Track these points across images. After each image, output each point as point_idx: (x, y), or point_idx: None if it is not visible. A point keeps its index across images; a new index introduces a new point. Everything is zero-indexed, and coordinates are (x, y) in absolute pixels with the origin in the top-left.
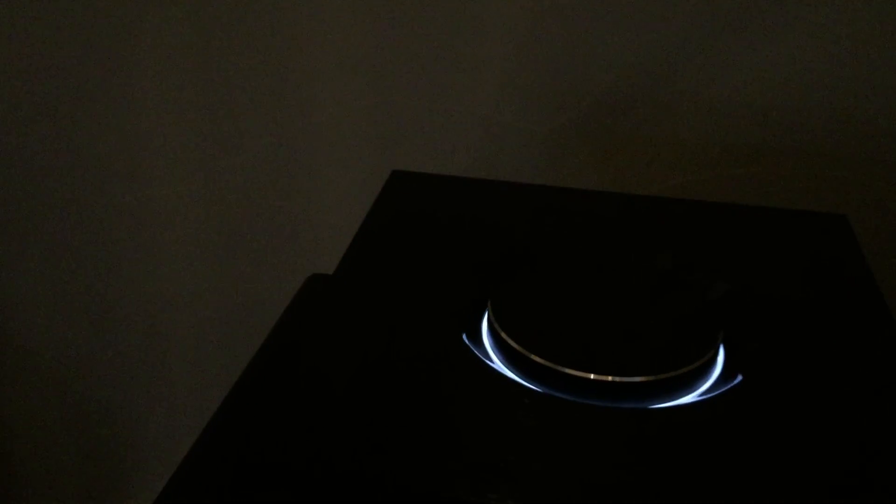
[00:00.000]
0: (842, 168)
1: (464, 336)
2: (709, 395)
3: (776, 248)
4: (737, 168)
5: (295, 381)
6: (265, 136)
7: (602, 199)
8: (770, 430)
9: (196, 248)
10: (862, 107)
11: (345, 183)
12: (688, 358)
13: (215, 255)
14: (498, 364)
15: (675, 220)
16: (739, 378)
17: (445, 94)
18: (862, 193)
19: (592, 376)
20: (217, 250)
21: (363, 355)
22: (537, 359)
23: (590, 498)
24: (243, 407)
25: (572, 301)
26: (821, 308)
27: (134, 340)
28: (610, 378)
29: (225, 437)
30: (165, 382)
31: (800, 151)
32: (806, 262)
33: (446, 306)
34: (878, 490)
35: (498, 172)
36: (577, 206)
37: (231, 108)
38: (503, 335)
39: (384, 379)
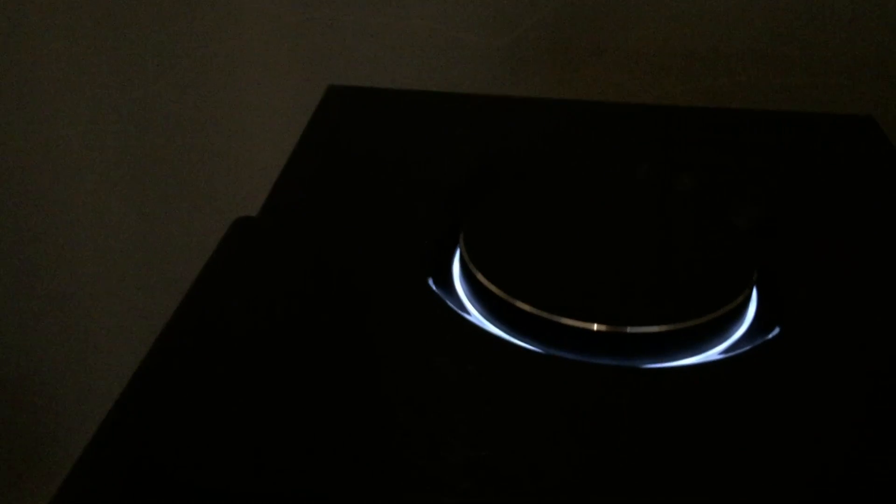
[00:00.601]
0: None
1: (430, 281)
2: (736, 352)
3: (803, 158)
4: (731, 77)
5: (214, 348)
6: (184, 57)
7: (583, 108)
8: (811, 399)
9: (111, 190)
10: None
11: (276, 102)
12: (711, 303)
13: (132, 197)
14: (476, 316)
15: (676, 129)
16: (776, 330)
17: (385, 4)
18: (884, 92)
19: (595, 327)
20: (134, 190)
21: (302, 310)
22: (526, 307)
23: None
24: (159, 378)
25: (561, 232)
26: (870, 229)
27: (48, 297)
28: (616, 329)
29: (139, 415)
30: (82, 342)
31: (806, 53)
32: (840, 173)
33: (405, 244)
34: None
35: (448, 87)
36: (552, 117)
37: (146, 24)
38: (481, 278)
39: (332, 340)
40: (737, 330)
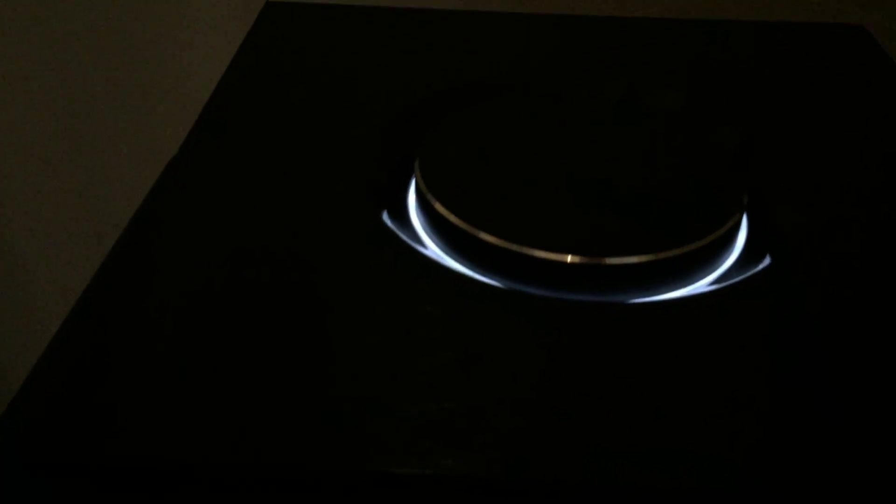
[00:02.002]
0: None
1: (384, 215)
2: (726, 284)
3: (793, 70)
4: None
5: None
6: None
7: (552, 22)
8: (804, 332)
9: (42, 119)
10: None
11: (211, 18)
12: (698, 231)
13: (64, 125)
14: (434, 250)
15: (656, 42)
16: (767, 260)
17: None
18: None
19: (569, 259)
20: (67, 116)
21: (243, 249)
22: (492, 239)
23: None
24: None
25: (529, 158)
26: (864, 145)
27: None
28: (593, 261)
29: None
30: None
31: None
32: (832, 84)
33: (354, 173)
34: None
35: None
36: (517, 32)
37: None
38: (439, 208)
39: (277, 286)
40: (726, 260)
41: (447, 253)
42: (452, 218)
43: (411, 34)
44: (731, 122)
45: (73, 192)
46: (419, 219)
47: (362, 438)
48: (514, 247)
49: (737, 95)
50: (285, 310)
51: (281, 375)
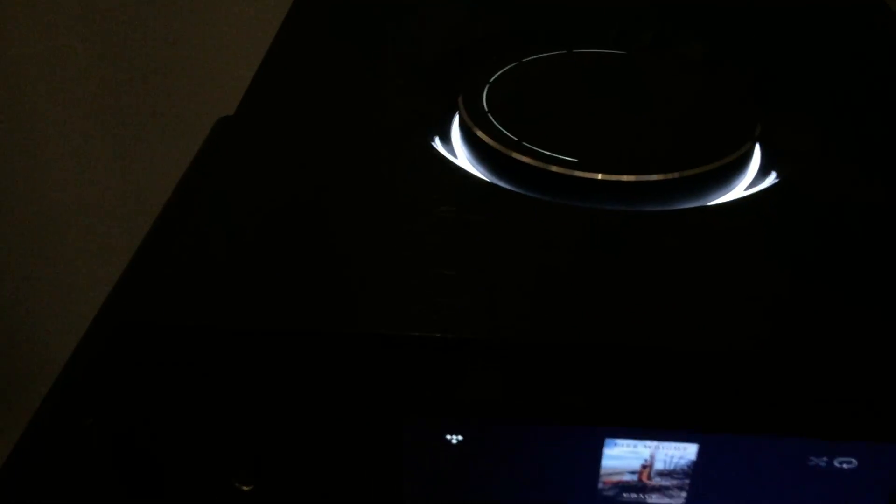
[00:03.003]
0: None
1: (435, 140)
2: (735, 198)
3: (804, 24)
4: None
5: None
6: None
7: None
8: (809, 242)
9: (82, 109)
10: None
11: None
12: (715, 153)
13: (104, 118)
14: (484, 173)
15: (668, 2)
16: (774, 178)
17: None
18: None
19: (599, 177)
20: (107, 109)
21: (314, 173)
22: (528, 160)
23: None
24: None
25: (562, 94)
26: (869, 84)
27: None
28: (618, 178)
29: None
30: (63, 258)
31: None
32: (843, 38)
33: (404, 110)
34: None
35: None
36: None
37: None
38: (481, 134)
39: (339, 196)
40: (740, 181)
41: (491, 174)
42: (490, 141)
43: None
44: (746, 66)
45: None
46: (465, 147)
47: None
48: (555, 167)
49: (752, 45)
50: (342, 213)
51: (323, 259)
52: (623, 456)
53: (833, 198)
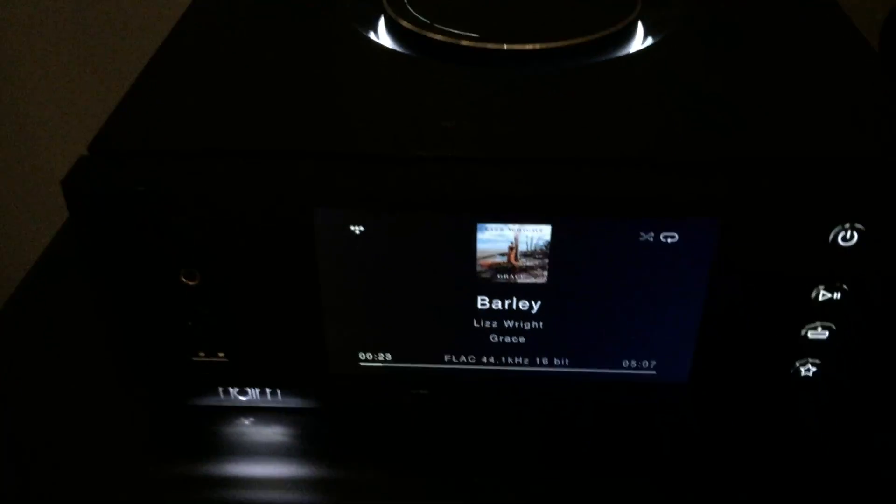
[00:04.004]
0: None
1: (357, 26)
2: (614, 56)
3: None
4: None
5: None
6: None
7: None
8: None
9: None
10: None
11: None
12: (594, 27)
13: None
14: (402, 49)
15: None
16: (650, 41)
17: None
18: None
19: (505, 47)
20: None
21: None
22: (439, 37)
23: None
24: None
25: None
26: None
27: None
28: (518, 47)
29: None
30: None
31: None
32: None
33: (342, 8)
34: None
35: None
36: None
37: None
38: (403, 22)
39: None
40: (629, 46)
41: (408, 50)
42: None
43: None
44: None
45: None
46: (388, 33)
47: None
48: (455, 41)
49: None
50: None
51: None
52: (493, 239)
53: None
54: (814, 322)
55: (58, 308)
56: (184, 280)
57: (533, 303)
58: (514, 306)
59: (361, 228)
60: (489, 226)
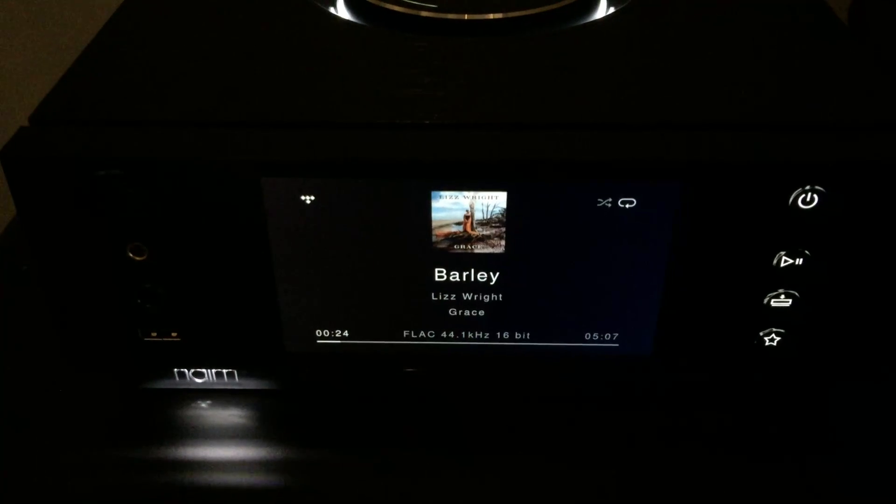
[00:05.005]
0: None
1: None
2: (587, 21)
3: None
4: None
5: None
6: None
7: None
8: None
9: None
10: None
11: None
12: None
13: None
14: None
15: None
16: (612, 10)
17: None
18: None
19: (466, 17)
20: None
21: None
22: (398, 8)
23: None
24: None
25: None
26: None
27: None
28: (493, 16)
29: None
30: None
31: None
32: None
33: None
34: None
35: None
36: None
37: None
38: None
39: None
40: (590, 15)
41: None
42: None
43: None
44: None
45: None
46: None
47: None
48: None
49: None
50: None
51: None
52: (448, 207)
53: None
54: (776, 290)
55: (5, 286)
56: (131, 255)
57: (491, 274)
58: (472, 278)
59: (312, 198)
60: (444, 193)
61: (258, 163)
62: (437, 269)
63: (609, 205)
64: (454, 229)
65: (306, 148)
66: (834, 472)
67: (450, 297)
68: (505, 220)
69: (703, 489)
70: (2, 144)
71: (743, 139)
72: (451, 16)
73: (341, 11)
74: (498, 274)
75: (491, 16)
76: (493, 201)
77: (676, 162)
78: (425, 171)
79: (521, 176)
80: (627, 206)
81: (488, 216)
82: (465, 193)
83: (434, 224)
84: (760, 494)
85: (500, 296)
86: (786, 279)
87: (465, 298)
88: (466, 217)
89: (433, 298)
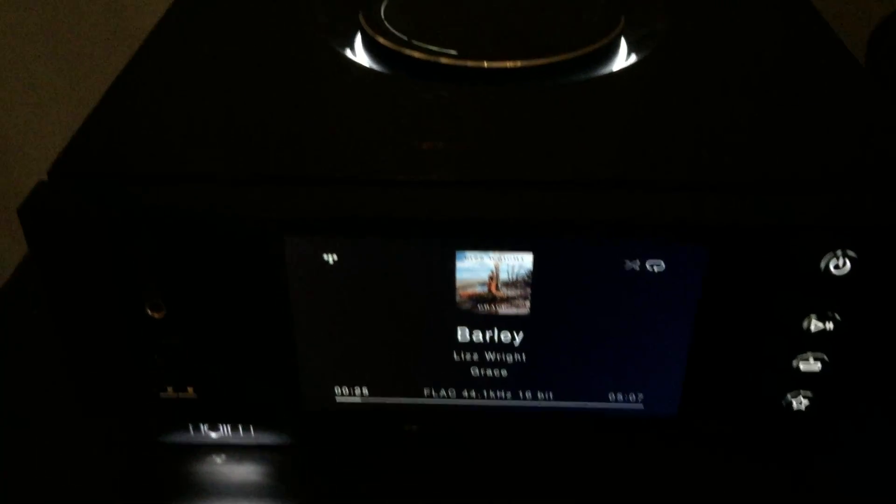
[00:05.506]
0: None
1: (333, 44)
2: (608, 71)
3: None
4: None
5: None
6: None
7: None
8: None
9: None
10: None
11: None
12: (578, 43)
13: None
14: (383, 69)
15: None
16: (634, 58)
17: None
18: None
19: (486, 65)
20: None
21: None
22: (418, 54)
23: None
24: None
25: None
26: None
27: None
28: (500, 65)
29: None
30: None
31: None
32: None
33: (318, 25)
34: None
35: None
36: None
37: None
38: (383, 41)
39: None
40: (608, 65)
41: (386, 68)
42: (383, 41)
43: None
44: None
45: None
46: (367, 51)
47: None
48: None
49: None
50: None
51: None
52: (472, 268)
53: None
54: (805, 353)
55: (23, 337)
56: (149, 312)
57: (515, 334)
58: (496, 338)
59: (335, 257)
60: (469, 253)
61: (281, 221)
62: (459, 328)
63: (637, 267)
64: (479, 290)
65: (330, 206)
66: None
67: (472, 356)
68: (531, 281)
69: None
70: (21, 198)
71: (773, 201)
72: (470, 63)
73: (359, 55)
74: (522, 334)
75: (510, 64)
76: (518, 262)
77: (705, 225)
78: (450, 231)
79: (548, 236)
80: (655, 268)
81: (514, 277)
82: (491, 254)
83: (458, 284)
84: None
85: (524, 356)
86: (815, 342)
87: (488, 358)
88: (491, 278)
89: (455, 358)
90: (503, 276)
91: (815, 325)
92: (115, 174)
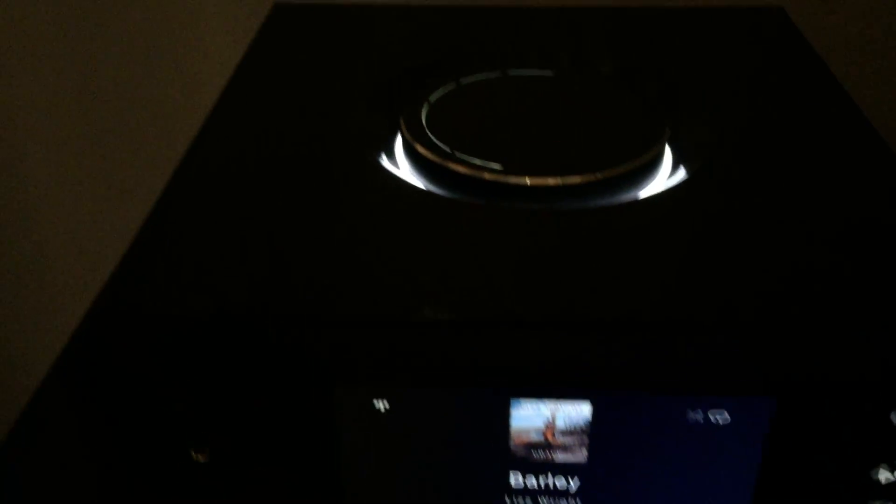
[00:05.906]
0: None
1: (380, 157)
2: (649, 195)
3: (716, 46)
4: None
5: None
6: None
7: (519, 14)
8: (721, 230)
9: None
10: None
11: (221, 19)
12: (628, 156)
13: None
14: (423, 183)
15: (593, 26)
16: (684, 175)
17: None
18: None
19: (528, 181)
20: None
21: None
22: (462, 169)
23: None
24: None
25: (492, 111)
26: (777, 100)
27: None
28: (543, 181)
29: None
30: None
31: None
32: (749, 58)
33: (356, 131)
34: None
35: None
36: (491, 20)
37: None
38: (421, 149)
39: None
40: (653, 180)
41: (429, 183)
42: (428, 154)
43: (408, 28)
44: (657, 81)
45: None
46: (408, 162)
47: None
48: (482, 174)
49: (662, 64)
50: (300, 221)
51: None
52: (528, 416)
53: (734, 192)
54: (874, 503)
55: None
56: (193, 455)
57: (571, 482)
58: (551, 485)
59: (386, 405)
60: (524, 401)
61: (331, 370)
62: (512, 473)
63: (700, 419)
64: (534, 438)
65: (381, 352)
66: None
67: (526, 501)
68: (589, 430)
69: None
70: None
71: (841, 351)
72: (512, 180)
73: (401, 164)
74: (578, 482)
75: (552, 181)
76: (576, 411)
77: (771, 377)
78: (506, 379)
79: (607, 387)
80: (719, 418)
81: (571, 426)
82: (547, 402)
83: (513, 432)
84: None
85: (580, 502)
86: (885, 492)
87: None
88: (548, 426)
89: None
90: (560, 425)
91: (885, 477)
92: (159, 314)
